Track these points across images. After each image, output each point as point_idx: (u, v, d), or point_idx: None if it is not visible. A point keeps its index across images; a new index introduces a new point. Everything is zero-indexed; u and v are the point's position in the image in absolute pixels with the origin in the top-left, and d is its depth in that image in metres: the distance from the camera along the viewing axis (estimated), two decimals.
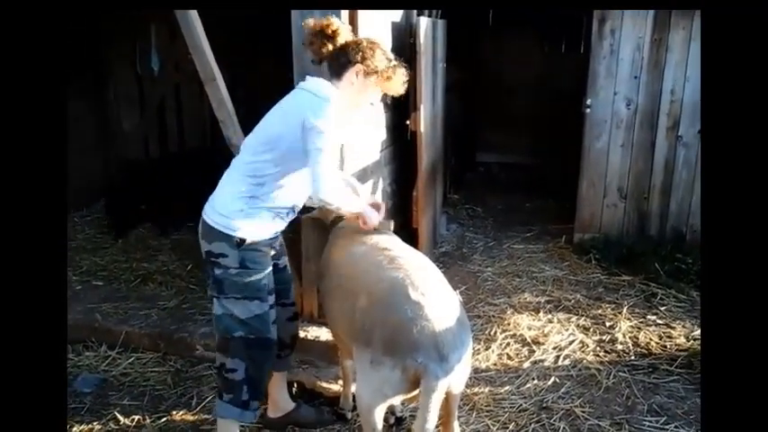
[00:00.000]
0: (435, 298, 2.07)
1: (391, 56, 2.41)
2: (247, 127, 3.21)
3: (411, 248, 2.47)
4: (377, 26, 3.40)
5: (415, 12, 4.06)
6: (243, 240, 2.29)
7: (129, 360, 3.31)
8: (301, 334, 3.13)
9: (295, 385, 3.00)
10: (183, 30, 2.90)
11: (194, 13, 2.88)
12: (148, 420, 2.84)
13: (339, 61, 2.33)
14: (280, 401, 2.75)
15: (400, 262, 2.21)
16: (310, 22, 2.36)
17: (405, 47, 3.88)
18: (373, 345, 2.02)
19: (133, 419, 2.84)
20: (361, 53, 2.31)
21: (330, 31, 2.32)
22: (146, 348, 3.41)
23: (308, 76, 2.37)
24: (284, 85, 2.54)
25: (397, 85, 2.41)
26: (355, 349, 2.15)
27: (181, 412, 2.91)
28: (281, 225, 2.43)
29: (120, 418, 2.85)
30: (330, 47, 2.33)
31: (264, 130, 2.33)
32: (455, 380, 2.05)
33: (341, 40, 2.33)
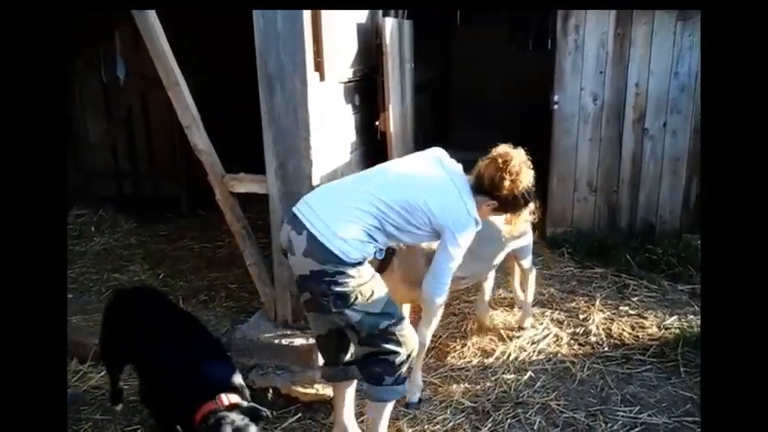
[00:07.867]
0: None
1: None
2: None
3: None
4: (342, 28, 3.39)
5: (380, 13, 4.06)
6: (360, 261, 2.32)
7: (102, 373, 3.24)
8: (275, 339, 3.11)
9: (270, 391, 2.96)
10: (144, 34, 2.86)
11: (154, 17, 2.84)
12: None
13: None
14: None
15: None
16: None
17: (371, 48, 3.88)
18: None
19: None
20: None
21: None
22: None
23: (453, 168, 2.50)
24: None
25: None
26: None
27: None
28: None
29: None
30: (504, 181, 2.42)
31: (408, 193, 2.36)
32: None
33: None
